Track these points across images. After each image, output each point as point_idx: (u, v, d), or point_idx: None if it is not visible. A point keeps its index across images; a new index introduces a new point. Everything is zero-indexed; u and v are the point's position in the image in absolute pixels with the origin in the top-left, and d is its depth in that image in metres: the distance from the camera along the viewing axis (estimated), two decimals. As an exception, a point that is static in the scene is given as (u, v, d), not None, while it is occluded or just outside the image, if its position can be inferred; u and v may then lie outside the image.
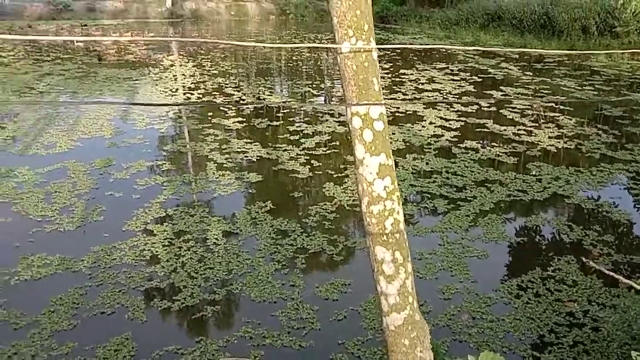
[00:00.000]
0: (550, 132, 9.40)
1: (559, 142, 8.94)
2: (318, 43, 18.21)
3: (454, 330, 4.52)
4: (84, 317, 4.64)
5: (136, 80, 13.29)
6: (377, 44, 2.06)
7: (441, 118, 10.12)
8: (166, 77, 13.54)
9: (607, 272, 2.25)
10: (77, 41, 18.89)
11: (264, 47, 17.30)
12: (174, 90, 12.33)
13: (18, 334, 4.42)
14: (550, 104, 11.23)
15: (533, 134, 9.31)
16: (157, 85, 12.66)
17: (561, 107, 10.97)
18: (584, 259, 5.23)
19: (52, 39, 4.40)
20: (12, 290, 4.98)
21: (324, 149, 8.61)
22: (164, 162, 8.12)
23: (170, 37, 19.51)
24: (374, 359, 4.18)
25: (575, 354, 4.25)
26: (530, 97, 11.61)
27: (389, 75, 13.48)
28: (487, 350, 2.33)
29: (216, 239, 5.88)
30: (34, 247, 5.69)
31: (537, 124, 9.88)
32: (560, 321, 4.63)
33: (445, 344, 4.35)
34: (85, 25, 22.90)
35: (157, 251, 5.62)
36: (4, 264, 5.34)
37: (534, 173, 7.73)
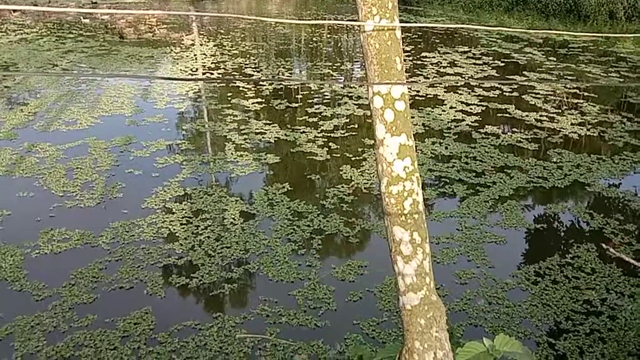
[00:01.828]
0: (573, 119, 9.24)
1: (582, 129, 8.78)
2: (341, 20, 18.05)
3: (470, 314, 4.52)
4: (103, 290, 4.74)
5: (157, 59, 13.34)
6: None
7: (462, 102, 9.99)
8: (187, 56, 13.56)
9: (626, 259, 2.22)
10: (84, 17, 18.92)
11: (284, 24, 17.16)
12: (194, 70, 12.35)
13: (40, 305, 4.53)
14: (574, 91, 11.01)
15: (555, 120, 9.16)
16: (177, 64, 12.69)
17: (585, 93, 10.75)
18: (603, 245, 5.16)
19: (67, 11, 4.42)
20: (33, 263, 5.10)
21: (342, 131, 8.58)
22: (183, 141, 8.17)
23: (189, 12, 19.48)
24: (388, 339, 4.20)
25: (591, 342, 4.22)
26: (554, 83, 11.39)
27: (410, 58, 13.32)
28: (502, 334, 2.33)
29: (233, 218, 5.92)
30: (54, 221, 5.80)
31: (559, 110, 9.71)
32: (577, 309, 4.59)
33: (461, 327, 4.35)
34: (95, 2, 22.71)
35: (175, 229, 5.68)
36: (26, 238, 5.45)
37: (554, 160, 7.62)
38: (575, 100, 10.37)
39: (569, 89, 11.13)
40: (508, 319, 4.47)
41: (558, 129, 8.81)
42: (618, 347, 4.15)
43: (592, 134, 8.64)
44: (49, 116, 9.07)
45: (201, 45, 15.10)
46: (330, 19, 20.12)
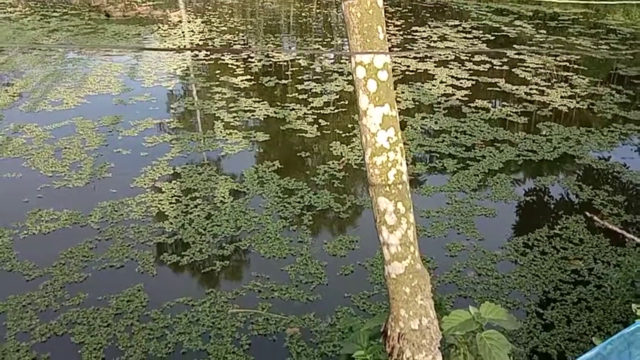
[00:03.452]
0: (563, 92, 9.23)
1: (571, 102, 8.78)
2: None
3: (459, 286, 4.57)
4: (94, 269, 4.74)
5: (145, 36, 13.14)
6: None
7: (452, 77, 9.94)
8: (174, 33, 13.36)
9: (611, 227, 2.24)
10: None
11: None
12: (182, 47, 12.19)
13: (31, 284, 4.54)
14: (563, 63, 10.99)
15: (545, 94, 9.15)
16: (165, 41, 12.52)
17: (575, 66, 10.73)
18: (587, 214, 5.21)
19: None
20: (22, 243, 5.08)
21: (332, 108, 8.54)
22: (172, 120, 8.10)
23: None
24: (379, 311, 4.25)
25: (578, 310, 4.29)
26: (545, 56, 11.35)
27: (401, 33, 13.20)
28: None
29: (223, 197, 5.91)
30: (43, 202, 5.77)
31: (549, 84, 9.70)
32: (565, 278, 4.65)
33: (451, 299, 4.40)
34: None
35: (164, 208, 5.67)
36: (14, 219, 5.43)
37: (544, 133, 7.64)
38: (565, 73, 10.36)
39: (559, 62, 11.10)
40: (497, 289, 4.53)
41: (548, 102, 8.81)
42: (604, 315, 4.22)
43: (581, 106, 8.65)
44: (35, 96, 8.95)
45: (188, 22, 14.88)
46: (319, -5, 19.81)
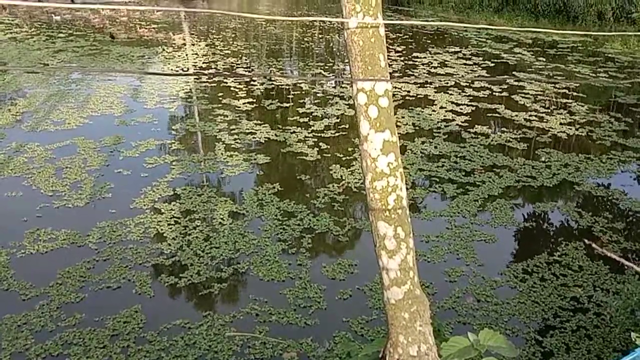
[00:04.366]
0: (562, 119, 9.30)
1: (570, 129, 8.84)
2: (325, 17, 18.06)
3: (459, 312, 4.54)
4: (91, 290, 4.72)
5: (149, 58, 13.29)
6: (387, 26, 2.04)
7: (452, 102, 10.03)
8: (178, 56, 13.52)
9: (610, 254, 2.25)
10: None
11: (273, 19, 17.16)
12: (185, 69, 12.32)
13: (27, 304, 4.51)
14: (563, 90, 11.09)
15: (544, 120, 9.22)
16: (169, 64, 12.65)
17: (574, 93, 10.83)
18: (586, 241, 5.20)
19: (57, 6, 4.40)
20: (19, 263, 5.07)
21: (333, 131, 8.59)
22: (173, 141, 8.14)
23: (177, 8, 19.41)
24: (377, 337, 4.21)
25: (577, 339, 4.25)
26: (544, 83, 11.47)
27: (402, 59, 13.36)
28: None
29: (222, 219, 5.91)
30: (41, 221, 5.77)
31: (548, 110, 9.78)
32: (564, 305, 4.63)
33: (450, 325, 4.37)
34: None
35: (163, 229, 5.66)
36: (12, 238, 5.41)
37: (543, 159, 7.67)
38: (564, 100, 10.45)
39: (559, 89, 11.21)
40: (496, 316, 4.50)
41: (547, 128, 8.87)
42: (603, 343, 4.19)
43: (580, 133, 8.71)
44: (38, 116, 9.02)
45: (192, 44, 15.07)
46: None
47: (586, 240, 4.99)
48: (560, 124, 9.07)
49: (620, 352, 4.03)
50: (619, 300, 4.53)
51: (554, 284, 4.92)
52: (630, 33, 9.70)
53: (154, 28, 17.53)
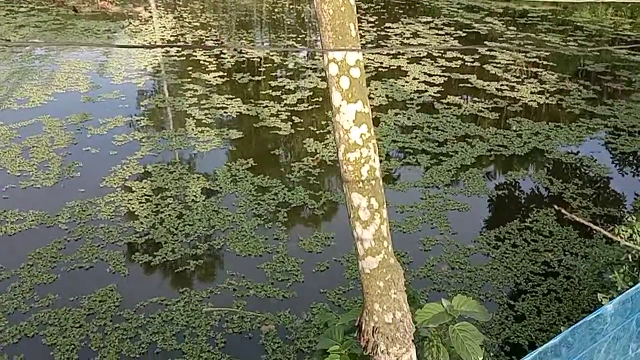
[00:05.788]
0: (533, 88, 9.40)
1: (541, 98, 8.95)
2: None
3: (434, 280, 4.62)
4: (63, 270, 4.65)
5: (114, 32, 12.89)
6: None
7: (425, 73, 10.03)
8: (145, 29, 13.14)
9: (579, 219, 2.29)
10: None
11: None
12: (153, 43, 12.00)
13: (-2, 288, 4.42)
14: (533, 60, 11.18)
15: (515, 89, 9.30)
16: (135, 37, 12.30)
17: (544, 62, 10.94)
18: (556, 207, 5.32)
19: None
20: (-11, 245, 4.95)
21: (306, 104, 8.52)
22: (142, 117, 7.97)
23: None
24: (354, 306, 4.26)
25: (548, 301, 4.38)
26: (515, 52, 11.54)
27: (375, 29, 13.25)
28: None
29: (195, 195, 5.85)
30: (8, 203, 5.62)
31: (519, 79, 9.86)
32: (535, 270, 4.75)
33: (425, 293, 4.45)
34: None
35: (135, 207, 5.58)
36: (-19, 220, 5.28)
37: (514, 128, 7.77)
38: (535, 69, 10.55)
39: (529, 58, 11.30)
40: (470, 282, 4.60)
41: (518, 97, 8.96)
42: (573, 305, 4.33)
43: (550, 102, 8.82)
44: (0, 94, 8.71)
45: (160, 17, 14.66)
46: (292, -9, 19.71)
47: (556, 207, 5.10)
48: (531, 92, 9.17)
49: (588, 314, 4.15)
50: (587, 264, 4.67)
51: (526, 249, 5.04)
52: (598, 1, 9.78)
53: (114, 1, 16.96)
